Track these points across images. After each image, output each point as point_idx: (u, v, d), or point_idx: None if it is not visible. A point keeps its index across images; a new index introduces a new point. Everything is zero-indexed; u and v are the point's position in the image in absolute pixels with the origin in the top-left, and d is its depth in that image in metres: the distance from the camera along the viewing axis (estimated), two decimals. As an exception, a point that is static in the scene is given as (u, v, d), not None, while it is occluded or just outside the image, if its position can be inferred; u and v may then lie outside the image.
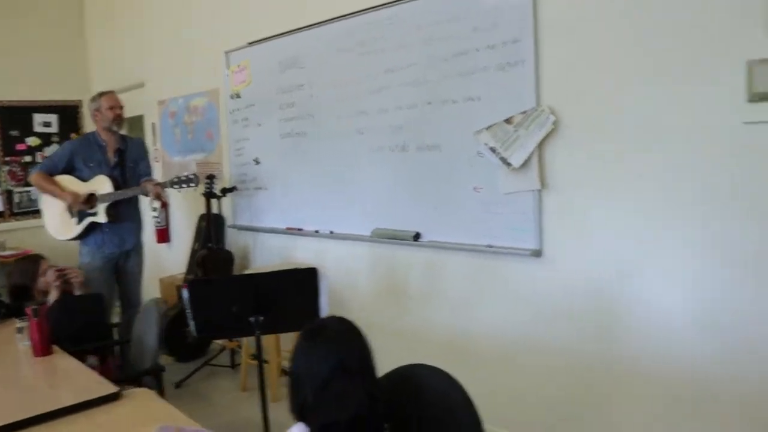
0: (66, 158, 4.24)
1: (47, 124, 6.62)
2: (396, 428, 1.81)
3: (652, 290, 2.78)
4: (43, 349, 2.80)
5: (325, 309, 2.95)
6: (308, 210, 4.37)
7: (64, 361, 2.74)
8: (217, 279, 3.25)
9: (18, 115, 6.45)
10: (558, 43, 2.97)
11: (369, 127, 3.84)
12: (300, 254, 4.54)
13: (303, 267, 2.98)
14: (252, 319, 2.87)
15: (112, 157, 4.28)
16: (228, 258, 4.95)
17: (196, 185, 4.16)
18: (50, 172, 4.23)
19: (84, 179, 4.22)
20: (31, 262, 3.49)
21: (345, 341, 1.76)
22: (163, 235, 6.00)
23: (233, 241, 5.16)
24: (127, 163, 4.32)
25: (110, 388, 2.32)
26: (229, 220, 5.12)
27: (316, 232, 4.32)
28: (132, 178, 4.32)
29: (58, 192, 4.16)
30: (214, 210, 5.09)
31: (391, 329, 3.94)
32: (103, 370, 3.35)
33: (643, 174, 2.76)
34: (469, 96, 3.30)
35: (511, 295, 3.30)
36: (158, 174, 5.98)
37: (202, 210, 4.90)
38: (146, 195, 4.28)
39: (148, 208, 6.05)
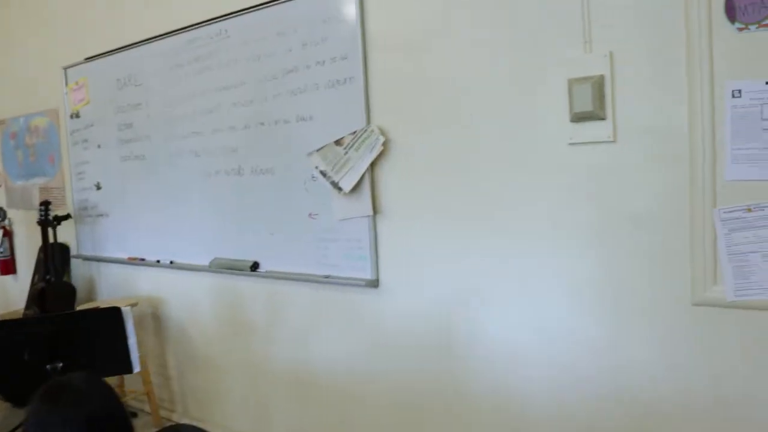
0: None
1: None
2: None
3: (487, 322, 2.63)
4: None
5: (135, 351, 2.66)
6: (149, 239, 4.04)
7: None
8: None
9: None
10: (386, 60, 2.81)
11: (204, 149, 3.57)
12: (144, 285, 4.20)
13: (107, 306, 2.69)
14: (48, 366, 2.56)
15: None
16: (68, 291, 4.54)
17: (3, 219, 3.74)
18: None
19: None
20: None
21: (92, 403, 1.47)
22: (8, 267, 5.48)
23: (78, 272, 4.75)
24: None
25: None
26: (73, 250, 4.72)
27: (158, 262, 3.99)
28: None
29: None
30: (59, 239, 4.68)
31: (236, 363, 3.67)
32: None
33: (474, 199, 2.61)
34: (301, 116, 3.09)
35: (350, 327, 3.09)
36: (2, 200, 5.49)
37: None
38: None
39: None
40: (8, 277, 5.54)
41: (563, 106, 2.34)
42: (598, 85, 2.25)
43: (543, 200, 2.43)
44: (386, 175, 2.86)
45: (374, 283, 2.94)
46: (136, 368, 2.66)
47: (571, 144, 2.35)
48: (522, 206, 2.49)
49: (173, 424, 1.80)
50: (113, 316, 2.58)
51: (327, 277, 3.09)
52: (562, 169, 2.38)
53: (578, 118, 2.31)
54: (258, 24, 3.19)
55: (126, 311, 2.59)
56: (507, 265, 2.55)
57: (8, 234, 5.44)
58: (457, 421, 2.76)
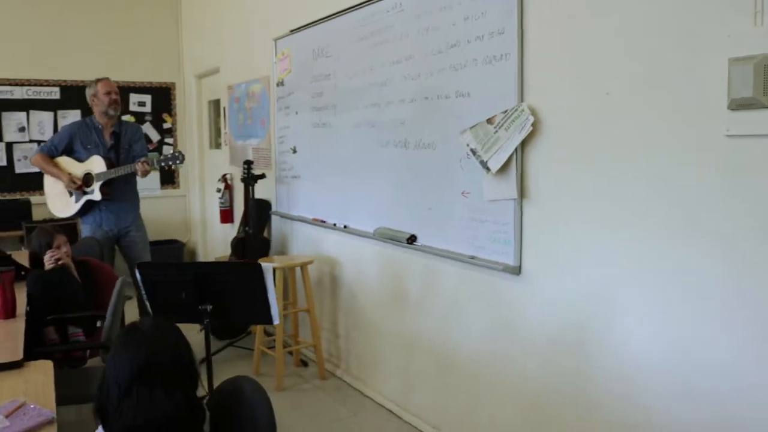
0: (65, 141, 4.47)
1: (142, 104, 7.01)
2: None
3: (621, 328, 2.42)
4: (5, 311, 2.93)
5: (275, 304, 2.85)
6: (330, 203, 4.29)
7: (13, 325, 2.83)
8: (164, 264, 3.26)
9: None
10: (544, 38, 2.65)
11: (379, 121, 3.67)
12: (325, 246, 4.46)
13: (250, 262, 2.90)
14: (200, 307, 2.85)
15: (108, 140, 4.45)
16: (263, 243, 4.98)
17: (182, 162, 4.24)
18: (50, 154, 4.48)
19: (82, 161, 4.41)
20: (47, 234, 3.62)
21: (153, 346, 1.64)
22: (227, 216, 6.16)
23: (276, 227, 5.19)
24: (122, 145, 4.48)
25: (16, 356, 2.38)
26: (273, 207, 5.15)
27: (335, 225, 4.22)
28: (127, 159, 4.46)
29: (56, 172, 4.40)
30: (261, 196, 5.15)
31: (391, 331, 3.79)
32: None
33: (627, 192, 2.38)
34: (460, 92, 3.04)
35: (490, 311, 3.03)
36: (225, 157, 6.15)
37: (257, 195, 5.00)
38: (137, 173, 4.32)
39: (212, 188, 6.25)
40: (227, 225, 6.23)
41: (721, 90, 2.04)
42: (764, 67, 1.92)
43: (691, 202, 2.15)
44: (535, 157, 2.73)
45: (516, 270, 2.83)
46: (275, 321, 2.85)
47: (728, 136, 2.05)
48: (668, 207, 2.22)
49: (239, 376, 1.93)
50: (255, 271, 2.77)
51: (472, 257, 3.05)
52: (717, 166, 2.08)
53: (737, 105, 2.00)
54: (427, -4, 3.19)
55: (266, 268, 2.77)
56: (648, 270, 2.30)
57: (229, 188, 6.10)
58: (582, 423, 2.59)
